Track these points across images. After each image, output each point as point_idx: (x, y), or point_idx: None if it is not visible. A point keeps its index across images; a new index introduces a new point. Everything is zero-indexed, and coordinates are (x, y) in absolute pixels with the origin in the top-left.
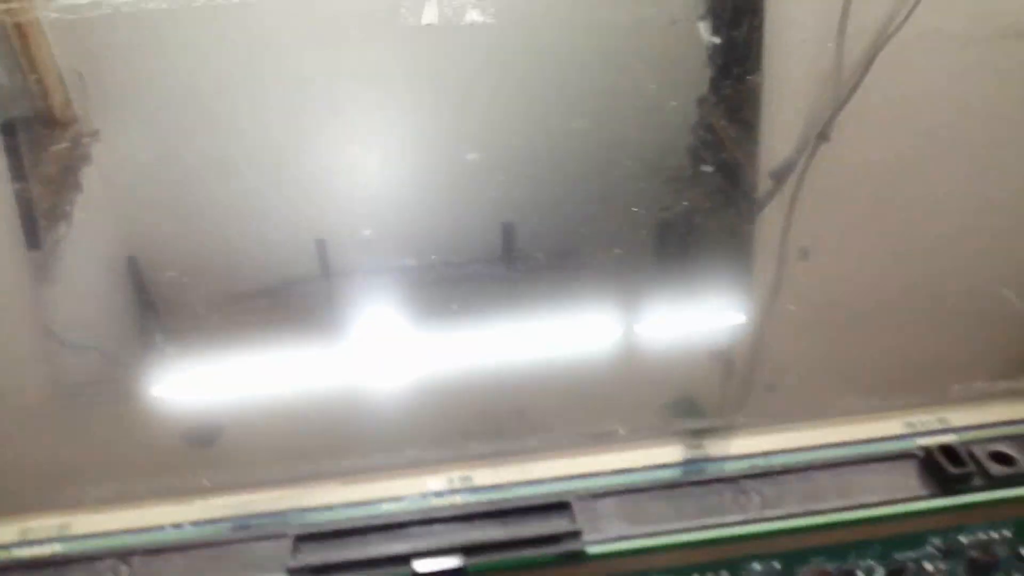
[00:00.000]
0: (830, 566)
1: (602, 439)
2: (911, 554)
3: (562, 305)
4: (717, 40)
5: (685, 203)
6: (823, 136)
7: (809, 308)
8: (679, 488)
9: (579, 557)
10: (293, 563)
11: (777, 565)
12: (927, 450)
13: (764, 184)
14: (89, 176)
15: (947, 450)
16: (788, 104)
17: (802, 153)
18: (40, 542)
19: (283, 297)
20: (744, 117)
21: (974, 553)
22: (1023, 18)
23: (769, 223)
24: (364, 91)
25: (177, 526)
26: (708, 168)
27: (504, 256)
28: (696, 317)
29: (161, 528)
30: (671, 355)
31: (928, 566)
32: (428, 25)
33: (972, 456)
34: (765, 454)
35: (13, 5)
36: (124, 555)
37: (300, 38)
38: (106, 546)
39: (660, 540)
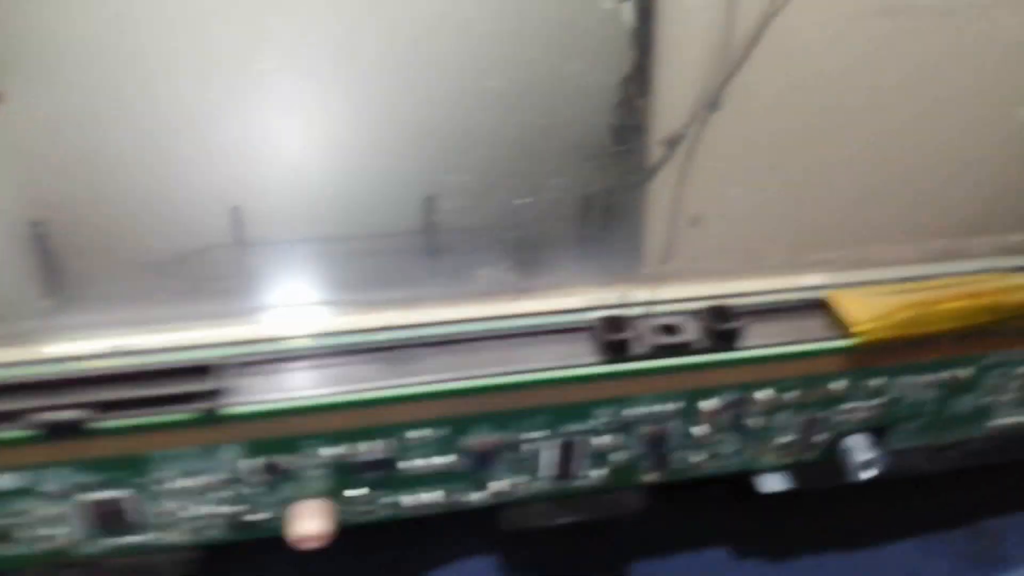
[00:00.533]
0: (498, 436)
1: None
2: (579, 426)
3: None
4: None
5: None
6: (714, 105)
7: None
8: (345, 354)
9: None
10: None
11: (441, 432)
12: (595, 325)
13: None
14: None
15: (611, 321)
16: (680, 74)
17: (693, 122)
18: None
19: (195, 264)
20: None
21: (645, 428)
22: None
23: (662, 191)
24: (286, 53)
25: None
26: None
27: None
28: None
29: None
30: None
31: (599, 441)
32: None
33: (637, 327)
34: (439, 323)
35: None
36: None
37: None
38: None
39: (304, 403)
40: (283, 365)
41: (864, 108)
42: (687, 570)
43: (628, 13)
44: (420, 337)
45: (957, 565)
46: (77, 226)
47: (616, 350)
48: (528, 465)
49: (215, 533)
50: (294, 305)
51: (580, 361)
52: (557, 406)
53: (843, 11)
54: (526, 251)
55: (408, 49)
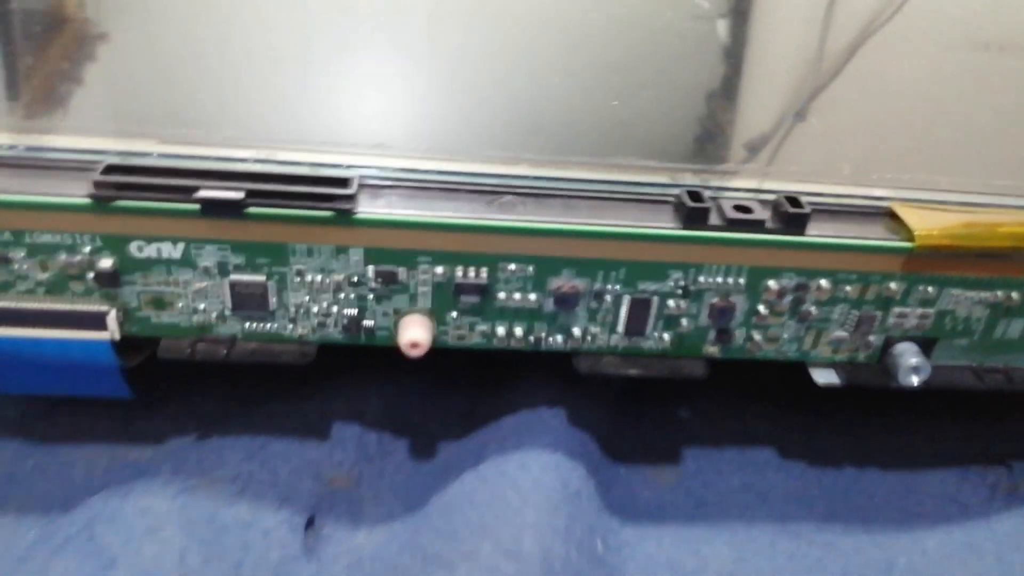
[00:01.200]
0: (579, 282)
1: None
2: (654, 286)
3: None
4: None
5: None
6: (800, 115)
7: None
8: (457, 191)
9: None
10: (98, 179)
11: (531, 269)
12: (678, 194)
13: (738, 155)
14: (91, 73)
15: (693, 193)
16: (768, 82)
17: (777, 129)
18: None
19: None
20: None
21: (714, 298)
22: (998, 34)
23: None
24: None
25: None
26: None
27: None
28: None
29: None
30: None
31: (671, 303)
32: None
33: (715, 201)
34: (541, 177)
35: None
36: None
37: None
38: None
39: (422, 219)
40: (406, 191)
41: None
42: (732, 444)
43: (723, 28)
44: (521, 186)
45: (995, 497)
46: None
47: (694, 218)
48: (606, 316)
49: (334, 333)
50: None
51: (660, 223)
52: (635, 262)
53: (937, 43)
54: None
55: (502, 43)
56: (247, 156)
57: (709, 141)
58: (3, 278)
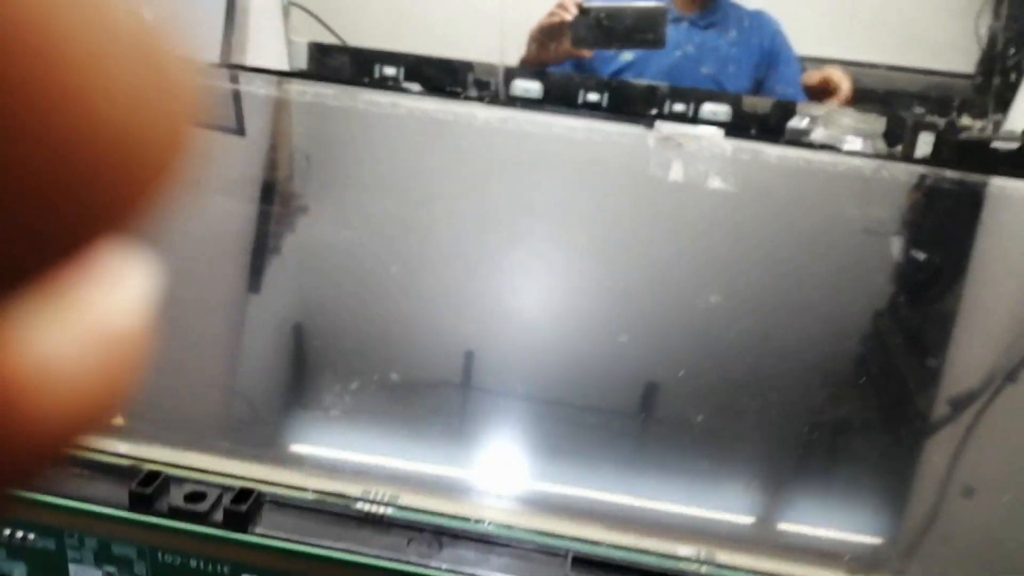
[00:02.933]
0: None
1: None
2: None
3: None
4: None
5: (839, 412)
6: (1012, 377)
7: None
8: None
9: None
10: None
11: None
12: None
13: (940, 411)
14: (288, 243)
15: None
16: (979, 338)
17: (987, 389)
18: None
19: (419, 395)
20: (925, 341)
21: None
22: None
23: (935, 452)
24: (546, 226)
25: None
26: (872, 383)
27: (640, 415)
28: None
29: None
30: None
31: None
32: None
33: None
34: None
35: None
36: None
37: (528, 167)
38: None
39: None
40: None
41: None
42: None
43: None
44: None
45: None
46: (329, 338)
47: None
48: None
49: None
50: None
51: None
52: None
53: None
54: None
55: (658, 242)
56: (690, 554)
57: None
58: None
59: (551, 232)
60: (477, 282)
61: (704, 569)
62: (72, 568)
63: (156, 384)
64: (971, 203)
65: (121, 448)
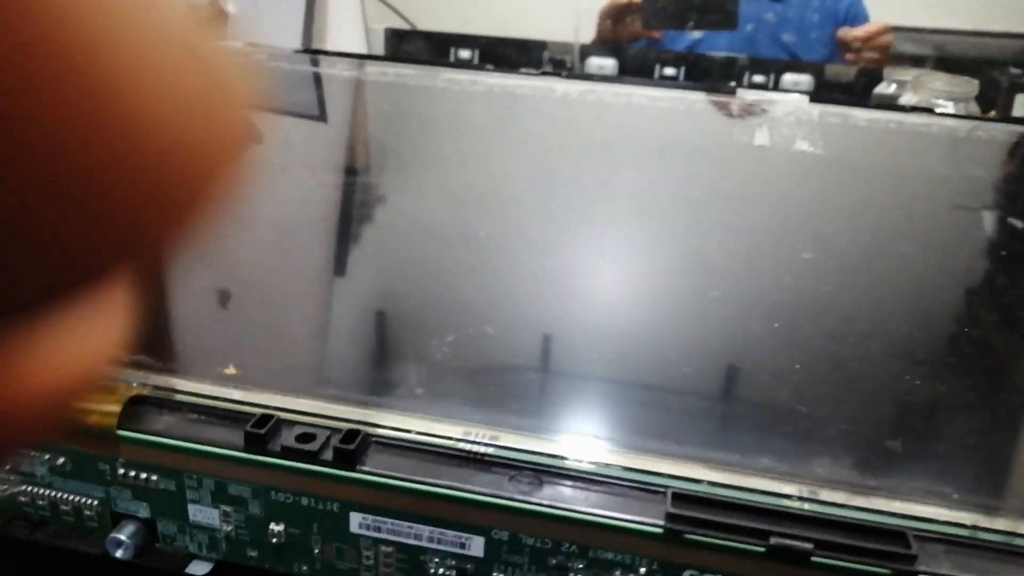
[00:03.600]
0: None
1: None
2: None
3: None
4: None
5: (930, 391)
6: None
7: None
8: (1005, 552)
9: None
10: (671, 511)
11: None
12: None
13: None
14: (367, 228)
15: None
16: None
17: None
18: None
19: (496, 378)
20: (1019, 317)
21: None
22: None
23: None
24: (622, 205)
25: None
26: (962, 360)
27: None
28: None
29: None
30: None
31: None
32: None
33: None
34: None
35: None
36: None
37: (610, 136)
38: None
39: None
40: (961, 549)
41: None
42: None
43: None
44: None
45: None
46: (406, 323)
47: None
48: None
49: None
50: None
51: None
52: None
53: None
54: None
55: (747, 204)
56: (794, 493)
57: None
58: None
59: (637, 198)
60: (565, 248)
61: (807, 506)
62: (191, 508)
63: (268, 339)
64: None
65: (236, 395)
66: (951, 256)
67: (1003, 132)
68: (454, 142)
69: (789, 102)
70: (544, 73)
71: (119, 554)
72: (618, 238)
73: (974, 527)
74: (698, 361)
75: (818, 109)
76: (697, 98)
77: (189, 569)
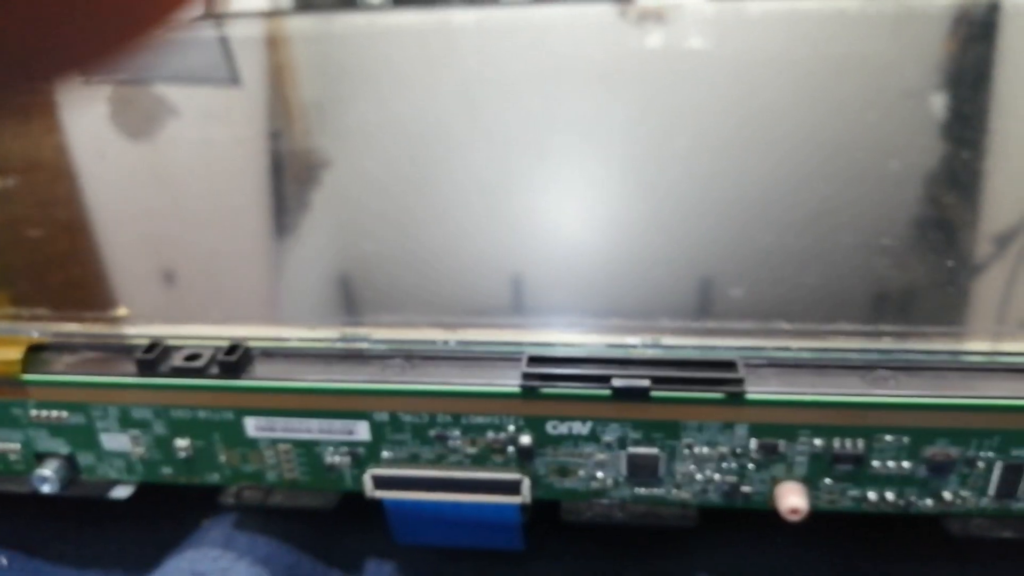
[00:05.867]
0: (953, 450)
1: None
2: None
3: None
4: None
5: (897, 273)
6: None
7: None
8: (831, 368)
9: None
10: (527, 370)
11: (906, 440)
12: None
13: (983, 250)
14: (317, 198)
15: None
16: (1014, 172)
17: None
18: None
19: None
20: (967, 186)
21: None
22: None
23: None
24: (577, 135)
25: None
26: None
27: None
28: None
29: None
30: None
31: None
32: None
33: None
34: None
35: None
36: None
37: (516, 64)
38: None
39: (805, 398)
40: (781, 369)
41: None
42: None
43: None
44: (888, 361)
45: None
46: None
47: None
48: (976, 481)
49: (713, 498)
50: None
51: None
52: (1010, 431)
53: None
54: None
55: (727, 139)
56: (637, 342)
57: None
58: (439, 452)
59: (555, 123)
60: (491, 185)
61: (649, 352)
62: (103, 437)
63: (159, 281)
64: (973, 23)
65: (129, 331)
66: (877, 137)
67: (892, 5)
68: (363, 87)
69: (686, 6)
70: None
71: (46, 489)
72: (538, 167)
73: (799, 349)
74: (551, 245)
75: (715, 7)
76: (600, 10)
77: (112, 493)
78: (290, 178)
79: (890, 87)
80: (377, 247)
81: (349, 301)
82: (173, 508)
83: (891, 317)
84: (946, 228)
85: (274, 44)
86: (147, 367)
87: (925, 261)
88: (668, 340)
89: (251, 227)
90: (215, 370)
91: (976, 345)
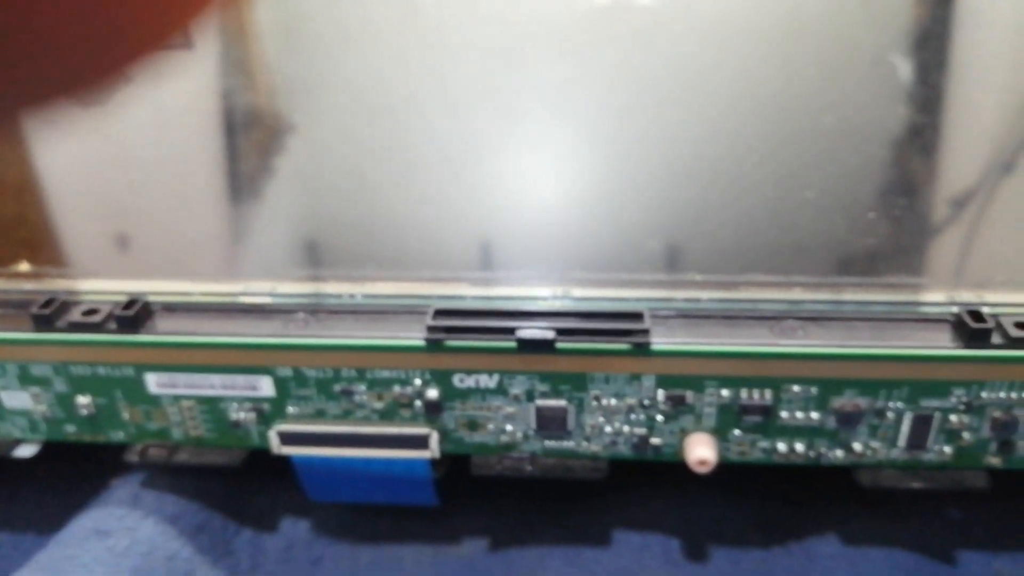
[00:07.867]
0: (862, 400)
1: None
2: (936, 403)
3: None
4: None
5: (814, 226)
6: (1008, 166)
7: None
8: (740, 318)
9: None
10: (431, 323)
11: (814, 390)
12: (958, 314)
13: (941, 212)
14: (282, 164)
15: (973, 312)
16: (972, 133)
17: (985, 182)
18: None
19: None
20: (927, 147)
21: (996, 413)
22: None
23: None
24: (541, 97)
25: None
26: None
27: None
28: None
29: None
30: None
31: (953, 418)
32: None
33: (995, 319)
34: (816, 301)
35: None
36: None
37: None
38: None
39: (712, 348)
40: (690, 320)
41: None
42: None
43: (905, 69)
44: (798, 312)
45: None
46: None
47: (977, 338)
48: (887, 432)
49: (624, 450)
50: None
51: (942, 344)
52: (918, 381)
53: None
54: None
55: (667, 96)
56: (547, 294)
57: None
58: (345, 407)
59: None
60: (479, 165)
61: (557, 304)
62: (3, 395)
63: (62, 235)
64: None
65: (27, 287)
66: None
67: None
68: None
69: None
70: None
71: None
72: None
73: (709, 300)
74: (474, 199)
75: None
76: None
77: (16, 452)
78: (221, 135)
79: (853, 48)
80: (279, 201)
81: (261, 257)
82: (82, 468)
83: (805, 269)
84: (870, 182)
85: (225, 4)
86: (44, 322)
87: (845, 215)
88: (578, 292)
89: (169, 183)
90: (113, 325)
91: (887, 296)
